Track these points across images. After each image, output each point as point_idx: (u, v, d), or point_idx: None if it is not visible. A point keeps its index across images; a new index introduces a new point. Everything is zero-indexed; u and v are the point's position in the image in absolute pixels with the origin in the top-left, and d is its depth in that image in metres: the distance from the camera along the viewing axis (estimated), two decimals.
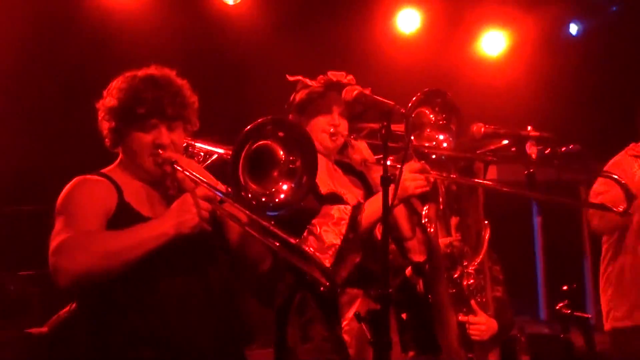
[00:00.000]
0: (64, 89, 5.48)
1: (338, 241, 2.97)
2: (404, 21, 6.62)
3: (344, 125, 3.24)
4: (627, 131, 4.47)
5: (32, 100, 5.50)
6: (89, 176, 2.60)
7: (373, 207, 3.00)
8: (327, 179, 3.18)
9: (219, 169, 2.68)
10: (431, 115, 3.14)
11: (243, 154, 2.46)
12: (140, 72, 2.62)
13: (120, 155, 2.67)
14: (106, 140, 2.65)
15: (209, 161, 2.80)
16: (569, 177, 5.58)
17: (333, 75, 3.20)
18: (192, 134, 2.73)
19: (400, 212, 3.17)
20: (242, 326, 2.68)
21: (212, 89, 5.40)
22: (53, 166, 5.00)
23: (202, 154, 2.79)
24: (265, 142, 2.53)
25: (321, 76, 3.24)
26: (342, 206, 3.04)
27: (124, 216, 2.51)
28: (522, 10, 6.65)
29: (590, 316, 2.61)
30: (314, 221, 3.02)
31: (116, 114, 2.58)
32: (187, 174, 2.48)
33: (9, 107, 5.37)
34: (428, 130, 3.15)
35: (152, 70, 2.64)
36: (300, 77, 3.28)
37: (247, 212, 2.40)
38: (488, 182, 3.36)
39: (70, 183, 2.57)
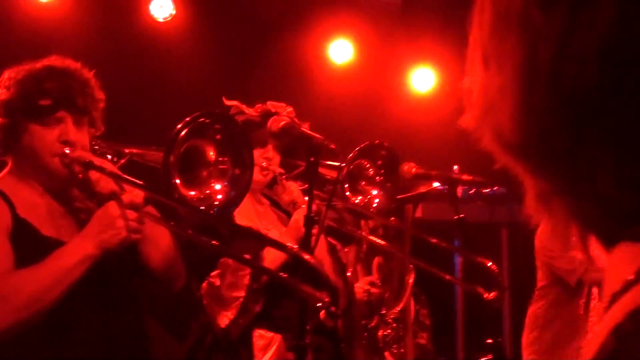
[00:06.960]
0: None
1: (242, 293, 2.81)
2: (337, 51, 6.59)
3: (276, 160, 3.10)
4: None
5: None
6: None
7: (275, 253, 2.79)
8: (250, 213, 3.02)
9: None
10: (370, 170, 3.00)
11: (177, 152, 2.13)
12: (41, 62, 2.27)
13: (10, 164, 2.30)
14: None
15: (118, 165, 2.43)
16: (491, 219, 5.62)
17: (272, 105, 2.98)
18: (94, 138, 2.40)
19: (324, 261, 3.01)
20: None
21: (137, 111, 5.21)
22: None
23: (108, 156, 2.42)
24: (198, 141, 2.21)
25: (259, 105, 3.04)
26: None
27: (21, 238, 2.13)
28: (451, 49, 6.67)
29: None
30: (212, 274, 2.83)
31: (12, 108, 2.20)
32: (106, 173, 2.13)
33: None
34: (363, 183, 3.02)
35: (54, 60, 2.28)
36: (236, 103, 3.07)
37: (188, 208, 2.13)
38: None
39: None
